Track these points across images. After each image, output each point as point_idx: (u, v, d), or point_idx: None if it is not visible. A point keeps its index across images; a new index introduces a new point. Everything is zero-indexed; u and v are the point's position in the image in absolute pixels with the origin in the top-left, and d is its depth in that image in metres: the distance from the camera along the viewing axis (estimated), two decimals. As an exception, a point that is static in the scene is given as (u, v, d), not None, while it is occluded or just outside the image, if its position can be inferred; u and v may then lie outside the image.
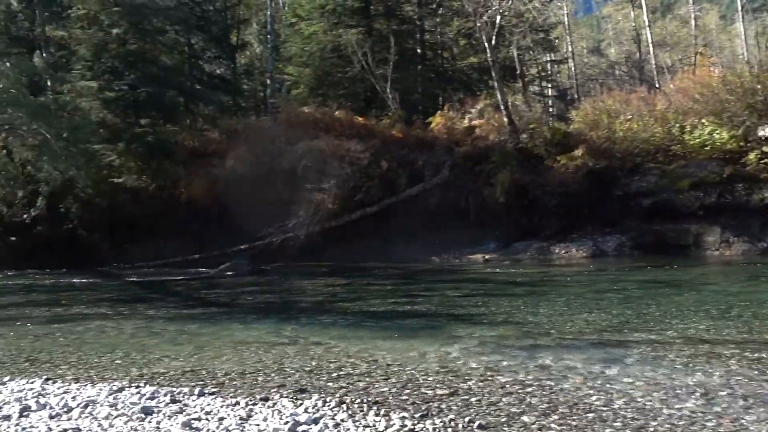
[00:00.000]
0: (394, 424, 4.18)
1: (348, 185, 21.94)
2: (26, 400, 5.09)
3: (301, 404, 4.72)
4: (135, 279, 18.47)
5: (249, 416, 4.41)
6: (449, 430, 4.12)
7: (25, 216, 22.22)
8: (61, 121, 20.83)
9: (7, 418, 4.56)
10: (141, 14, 24.08)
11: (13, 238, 22.46)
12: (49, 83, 23.19)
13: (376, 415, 4.42)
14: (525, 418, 4.35)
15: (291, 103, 28.05)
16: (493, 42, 23.69)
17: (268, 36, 31.15)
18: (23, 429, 4.24)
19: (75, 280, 18.10)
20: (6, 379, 6.17)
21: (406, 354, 6.81)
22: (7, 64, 19.90)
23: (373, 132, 23.95)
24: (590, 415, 4.41)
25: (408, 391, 5.20)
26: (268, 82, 31.32)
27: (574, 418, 4.35)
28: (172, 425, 4.20)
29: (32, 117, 20.10)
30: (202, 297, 14.32)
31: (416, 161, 23.00)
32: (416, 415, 4.41)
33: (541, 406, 4.64)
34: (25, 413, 4.66)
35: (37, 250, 21.54)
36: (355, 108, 26.59)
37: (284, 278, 17.46)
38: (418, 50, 30.23)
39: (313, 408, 4.59)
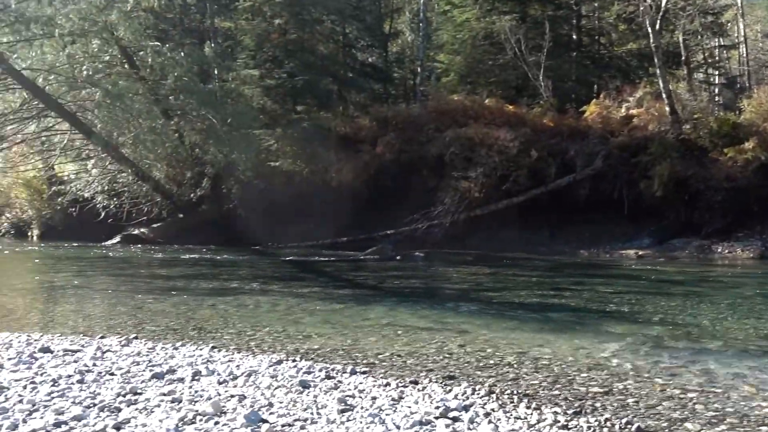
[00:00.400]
0: (546, 418, 4.08)
1: (495, 174, 21.68)
2: (197, 365, 5.51)
3: (450, 390, 4.73)
4: (287, 258, 19.45)
5: (400, 398, 4.49)
6: (605, 430, 3.95)
7: (192, 195, 24.02)
8: (226, 107, 22.26)
9: (181, 380, 4.97)
10: (301, 5, 25.16)
11: (181, 215, 24.42)
12: (216, 72, 24.83)
13: (527, 407, 4.33)
14: (689, 425, 4.08)
15: (440, 90, 28.12)
16: (657, 26, 22.30)
17: (420, 24, 31.35)
18: (195, 392, 4.58)
19: (233, 257, 19.36)
20: (179, 344, 6.72)
21: (555, 348, 6.62)
22: (182, 54, 21.52)
23: (523, 120, 23.46)
24: (763, 428, 4.06)
25: (559, 386, 5.06)
26: (419, 70, 31.57)
27: (746, 429, 4.02)
28: (328, 400, 4.37)
29: (201, 103, 21.67)
30: (350, 279, 14.77)
31: (567, 151, 22.25)
32: (569, 412, 4.28)
33: (706, 414, 4.32)
34: (196, 377, 5.05)
35: (202, 227, 23.30)
36: (506, 96, 26.16)
37: (429, 265, 17.59)
38: (574, 36, 29.16)
39: (462, 395, 4.58)
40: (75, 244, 22.95)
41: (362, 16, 29.44)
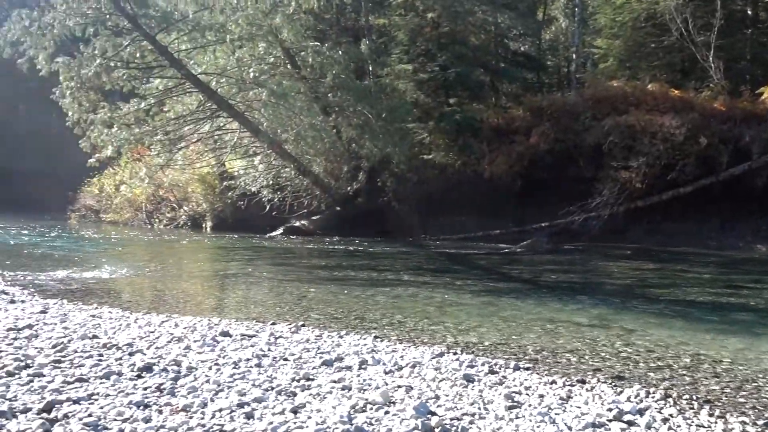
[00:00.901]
0: (733, 428, 3.81)
1: (659, 163, 20.39)
2: (362, 354, 5.72)
3: (621, 392, 4.55)
4: (440, 250, 19.59)
5: (569, 397, 4.38)
6: (804, 446, 3.62)
7: (348, 188, 24.84)
8: (380, 102, 22.77)
9: (349, 368, 5.18)
10: (453, -3, 25.15)
11: (339, 208, 25.34)
12: (371, 68, 25.46)
13: (710, 415, 4.06)
14: None
15: (598, 77, 26.88)
16: None
17: (576, 9, 30.16)
18: (363, 380, 4.76)
19: (388, 248, 19.82)
20: (343, 333, 7.01)
21: (736, 351, 6.14)
22: (339, 52, 22.30)
23: (690, 105, 21.82)
24: None
25: (745, 393, 4.69)
26: (574, 56, 30.41)
27: None
28: (494, 396, 4.36)
29: (357, 99, 22.33)
30: (504, 272, 14.60)
31: (742, 137, 20.41)
32: (758, 422, 3.95)
33: None
34: (363, 366, 5.24)
35: (357, 219, 24.03)
36: (670, 80, 24.48)
37: (586, 259, 16.96)
38: (749, 11, 26.65)
39: (635, 398, 4.39)
40: (243, 236, 24.60)
41: (515, 5, 28.76)
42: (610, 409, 4.02)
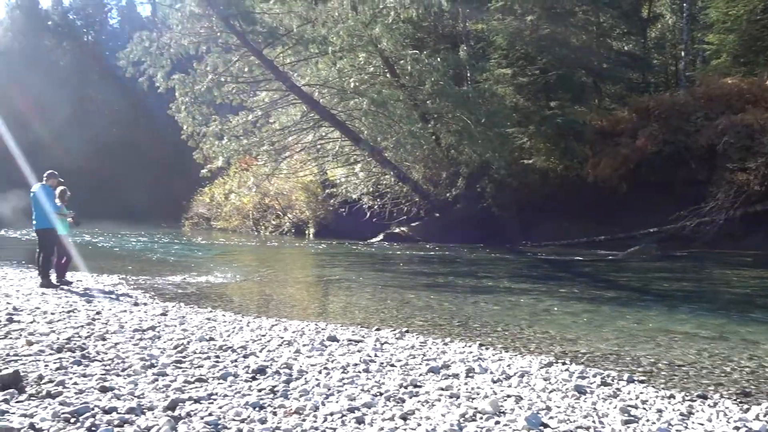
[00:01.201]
0: None
1: (780, 164, 19.12)
2: (468, 362, 5.70)
3: (748, 409, 4.29)
4: (542, 256, 19.17)
5: (690, 413, 4.18)
6: None
7: (447, 195, 24.80)
8: (479, 107, 22.59)
9: (456, 376, 5.18)
10: (553, -1, 24.63)
11: (438, 214, 25.34)
12: (469, 74, 25.34)
13: None
14: None
15: (710, 74, 25.51)
16: None
17: (684, 4, 28.80)
18: (471, 389, 4.74)
19: (488, 255, 19.61)
20: (447, 340, 7.02)
21: None
22: (437, 59, 22.35)
23: (815, 102, 20.37)
24: None
25: None
26: (682, 54, 29.03)
27: None
28: (608, 409, 4.23)
29: (456, 105, 22.28)
30: (611, 279, 14.11)
31: None
32: None
33: None
34: (470, 374, 5.23)
35: (457, 225, 23.93)
36: (791, 75, 22.89)
37: (700, 266, 16.09)
38: None
39: (764, 416, 4.13)
40: (344, 242, 25.07)
41: (617, 3, 27.76)
42: (737, 428, 3.81)
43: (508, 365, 5.62)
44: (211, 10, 20.85)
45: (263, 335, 6.89)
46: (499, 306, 9.82)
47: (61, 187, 11.28)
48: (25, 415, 3.76)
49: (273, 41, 21.29)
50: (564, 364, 5.78)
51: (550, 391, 4.69)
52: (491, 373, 5.27)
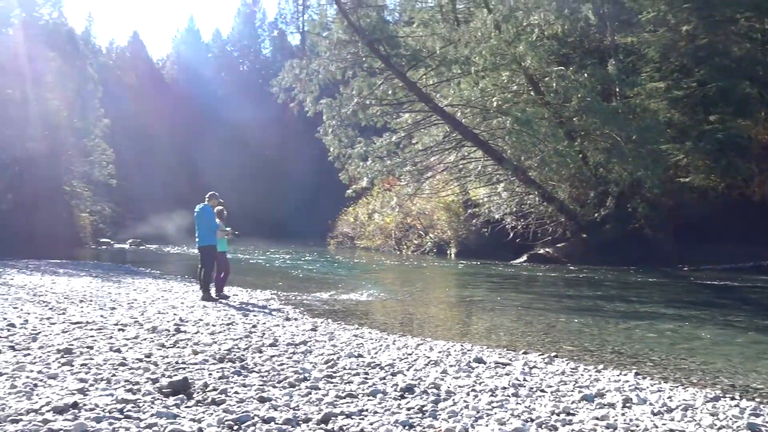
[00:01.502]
0: None
1: None
2: (625, 391, 5.40)
3: None
4: (702, 281, 17.85)
5: None
6: None
7: (595, 215, 23.82)
8: (630, 123, 21.61)
9: (612, 405, 4.92)
10: (711, 6, 23.08)
11: (585, 235, 24.41)
12: (618, 89, 24.32)
13: None
14: None
15: None
16: None
17: None
18: (629, 420, 4.48)
19: (641, 278, 18.56)
20: (600, 367, 6.70)
21: None
22: (584, 75, 21.67)
23: None
24: None
25: None
26: None
27: None
28: (789, 451, 3.84)
29: (605, 122, 21.44)
30: (784, 308, 12.85)
31: None
32: None
33: None
34: (627, 404, 4.94)
35: (605, 247, 22.91)
36: None
37: None
38: None
39: None
40: (486, 262, 24.79)
41: (787, 7, 25.55)
42: None
43: (669, 397, 5.25)
44: (358, 36, 21.65)
45: (409, 354, 6.94)
46: (655, 333, 9.26)
47: (219, 207, 12.13)
48: (193, 420, 4.03)
49: (416, 63, 21.71)
50: (733, 399, 5.31)
51: (719, 428, 4.32)
52: (651, 404, 4.96)
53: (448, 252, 31.00)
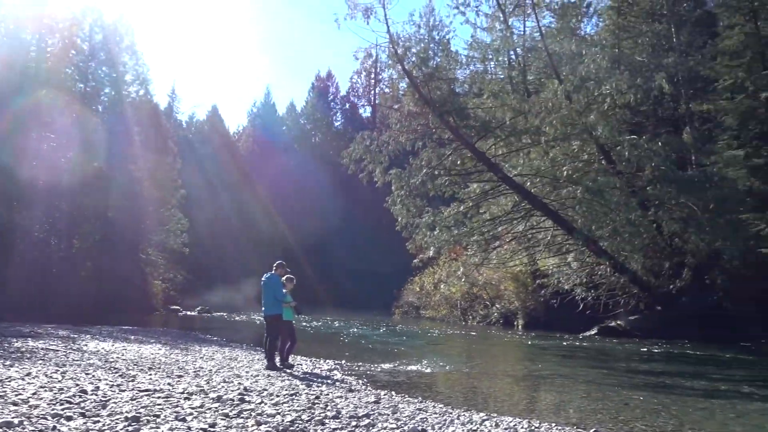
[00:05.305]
0: None
1: None
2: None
3: None
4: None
5: None
6: None
7: (671, 287, 22.89)
8: (707, 192, 20.96)
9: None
10: (791, 72, 22.51)
11: (659, 308, 23.41)
12: (694, 157, 23.75)
13: None
14: None
15: None
16: None
17: None
18: None
19: (721, 354, 17.56)
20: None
21: None
22: (659, 143, 21.28)
23: None
24: None
25: None
26: None
27: None
28: None
29: (680, 191, 20.87)
30: None
31: None
32: None
33: None
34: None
35: (682, 320, 21.86)
36: None
37: None
38: None
39: None
40: (555, 335, 24.03)
41: None
42: None
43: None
44: (428, 108, 22.07)
45: (474, 430, 6.74)
46: (738, 415, 8.69)
47: (287, 276, 12.33)
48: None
49: (485, 134, 21.88)
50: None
51: None
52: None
53: (515, 323, 30.28)
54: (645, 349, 18.87)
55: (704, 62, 24.91)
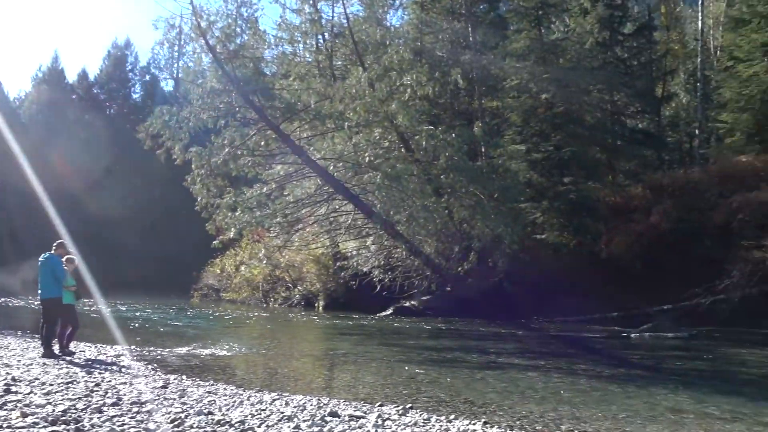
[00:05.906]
0: None
1: (797, 242, 18.92)
2: (471, 440, 5.53)
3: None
4: (554, 333, 18.87)
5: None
6: None
7: (459, 269, 24.63)
8: (493, 182, 22.75)
9: (456, 454, 5.01)
10: (568, 77, 25.15)
11: (449, 289, 25.13)
12: (483, 149, 25.67)
13: None
14: None
15: (724, 152, 25.66)
16: None
17: (698, 84, 29.33)
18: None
19: (499, 330, 19.31)
20: (452, 417, 6.83)
21: None
22: (453, 134, 22.66)
23: (831, 180, 20.33)
24: None
25: None
26: (697, 132, 29.37)
27: None
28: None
29: (470, 180, 22.44)
30: (623, 357, 13.79)
31: None
32: None
33: None
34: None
35: (468, 300, 23.64)
36: (806, 154, 22.95)
37: (715, 344, 15.72)
38: None
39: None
40: (353, 315, 24.83)
41: (632, 83, 28.35)
42: None
43: (511, 444, 5.45)
44: (232, 86, 21.47)
45: (263, 410, 6.76)
46: (508, 383, 9.60)
47: (68, 256, 11.38)
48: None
49: (290, 116, 21.78)
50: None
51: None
52: (493, 452, 5.11)
53: (316, 305, 30.78)
54: (435, 327, 20.17)
55: (496, 62, 26.95)
